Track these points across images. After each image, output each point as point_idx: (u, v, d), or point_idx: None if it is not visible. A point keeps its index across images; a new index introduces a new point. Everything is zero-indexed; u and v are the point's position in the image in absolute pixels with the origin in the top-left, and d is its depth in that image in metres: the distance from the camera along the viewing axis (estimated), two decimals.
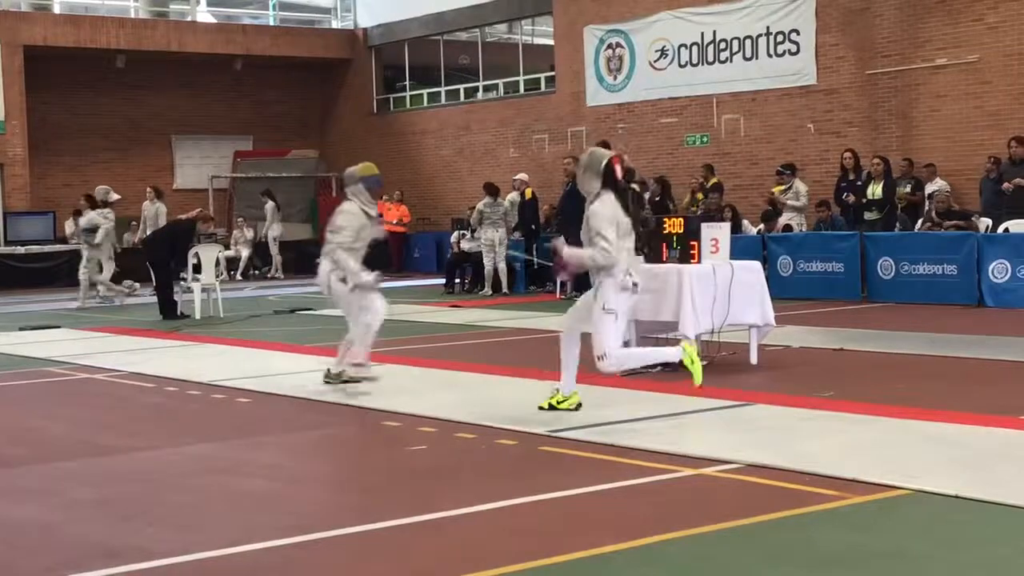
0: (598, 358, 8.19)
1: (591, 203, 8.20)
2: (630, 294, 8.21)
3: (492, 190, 20.47)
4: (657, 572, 4.94)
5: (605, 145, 22.20)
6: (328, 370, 10.10)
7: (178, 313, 17.01)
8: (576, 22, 25.24)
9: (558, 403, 8.42)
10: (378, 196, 10.09)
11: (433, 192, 28.49)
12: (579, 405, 8.45)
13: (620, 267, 8.09)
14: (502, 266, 20.17)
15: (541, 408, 8.41)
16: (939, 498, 5.83)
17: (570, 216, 19.77)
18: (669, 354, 8.38)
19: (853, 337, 12.41)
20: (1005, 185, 16.74)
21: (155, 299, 17.41)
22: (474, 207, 21.25)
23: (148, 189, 23.13)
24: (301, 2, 33.30)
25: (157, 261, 17.43)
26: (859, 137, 20.11)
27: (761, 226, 19.26)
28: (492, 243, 20.08)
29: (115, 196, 20.36)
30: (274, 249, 27.60)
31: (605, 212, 8.08)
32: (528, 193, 21.04)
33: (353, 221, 9.71)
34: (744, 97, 22.19)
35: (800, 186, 19.27)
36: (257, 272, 27.62)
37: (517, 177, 21.33)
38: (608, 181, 8.17)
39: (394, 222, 26.15)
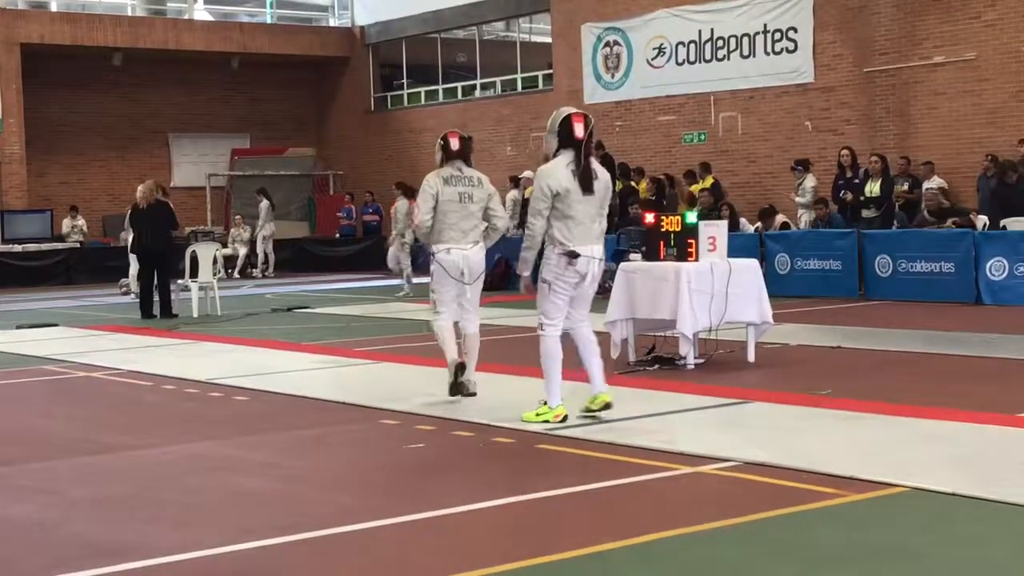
0: (538, 326, 7.98)
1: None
2: (565, 264, 7.75)
3: (407, 191, 20.63)
4: (655, 570, 4.94)
5: (600, 146, 22.46)
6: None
7: (153, 313, 16.95)
8: (574, 20, 25.23)
9: (537, 414, 8.02)
10: None
11: None
12: (608, 404, 8.01)
13: (561, 239, 7.70)
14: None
15: (583, 416, 8.00)
16: (937, 496, 5.83)
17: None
18: (554, 388, 7.89)
19: (851, 335, 12.41)
20: None
21: (152, 299, 17.32)
22: None
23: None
24: (298, 0, 33.29)
25: (162, 257, 17.30)
26: (857, 135, 20.12)
27: (759, 224, 19.29)
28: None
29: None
30: (267, 247, 27.52)
31: (541, 180, 7.70)
32: (528, 191, 21.20)
33: None
34: (742, 95, 22.19)
35: (808, 182, 19.39)
36: (253, 270, 27.61)
37: (525, 175, 21.38)
38: (565, 140, 7.74)
39: None
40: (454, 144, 9.05)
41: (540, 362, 8.03)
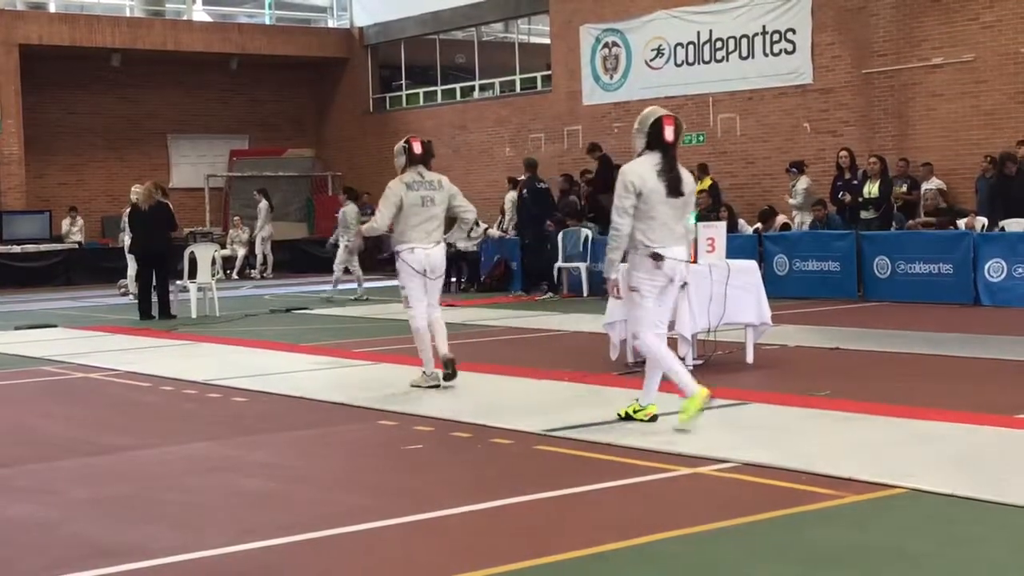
0: (632, 336, 7.85)
1: None
2: (652, 267, 7.63)
3: (353, 194, 20.65)
4: (653, 571, 4.94)
5: (595, 147, 22.45)
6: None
7: (151, 314, 16.97)
8: (572, 21, 25.23)
9: (634, 412, 7.90)
10: None
11: None
12: (655, 417, 7.84)
13: (646, 241, 7.57)
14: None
15: (619, 416, 7.94)
16: (935, 497, 5.83)
17: (525, 219, 19.90)
18: (684, 379, 7.67)
19: (849, 336, 12.42)
20: None
21: (150, 300, 17.33)
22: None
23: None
24: (297, 1, 33.29)
25: (162, 258, 17.29)
26: (855, 136, 20.13)
27: (758, 225, 19.29)
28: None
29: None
30: (265, 248, 27.48)
31: (625, 176, 7.58)
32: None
33: None
34: (740, 96, 22.20)
35: (800, 184, 19.43)
36: (252, 271, 27.59)
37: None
38: (653, 141, 7.65)
39: None
40: (416, 148, 9.79)
41: (646, 365, 8.00)
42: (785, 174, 20.12)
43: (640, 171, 7.61)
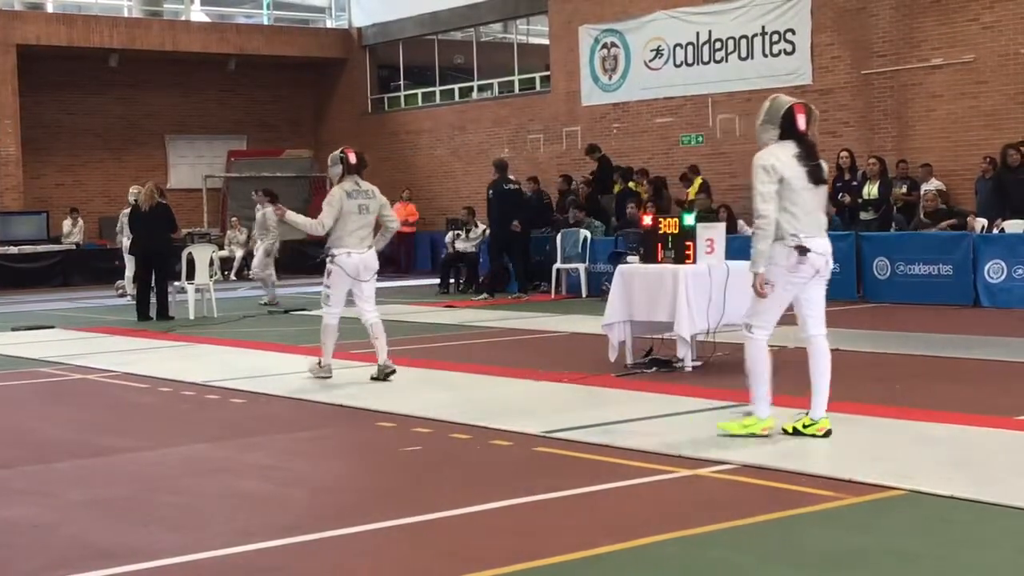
0: (744, 327, 7.45)
1: None
2: (796, 260, 7.18)
3: (273, 196, 20.57)
4: (652, 573, 4.93)
5: (594, 148, 22.43)
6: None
7: (149, 315, 16.95)
8: (571, 21, 25.22)
9: (804, 427, 7.36)
10: None
11: (428, 192, 28.44)
12: (828, 432, 7.31)
13: (790, 230, 7.13)
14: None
15: (784, 431, 7.39)
16: (934, 499, 5.82)
17: (496, 218, 19.90)
18: (762, 396, 7.37)
19: (849, 337, 12.39)
20: None
21: (149, 301, 17.30)
22: (469, 207, 21.77)
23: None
24: (295, 1, 33.26)
25: (161, 259, 17.25)
26: (855, 137, 20.11)
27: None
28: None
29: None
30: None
31: (763, 160, 7.12)
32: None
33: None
34: (739, 97, 22.17)
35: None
36: (248, 271, 27.54)
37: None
38: (787, 131, 7.22)
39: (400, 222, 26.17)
40: (352, 159, 10.50)
41: (746, 369, 7.48)
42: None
43: (779, 155, 7.16)
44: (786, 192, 7.12)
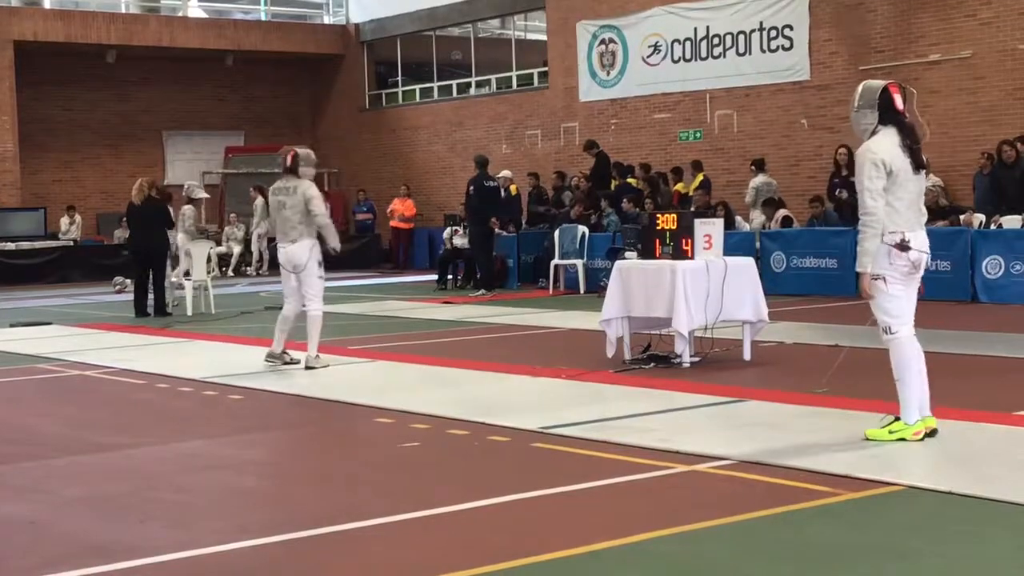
0: (883, 330, 7.04)
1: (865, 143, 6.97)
2: (897, 256, 6.86)
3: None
4: (649, 569, 4.92)
5: (593, 144, 22.42)
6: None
7: (147, 311, 16.92)
8: (569, 17, 25.21)
9: (890, 432, 7.02)
10: None
11: (425, 188, 28.44)
12: (930, 433, 7.00)
13: (891, 226, 6.83)
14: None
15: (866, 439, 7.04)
16: (932, 494, 5.82)
17: (475, 211, 19.90)
18: (913, 400, 7.00)
19: (847, 333, 12.38)
20: None
21: (147, 297, 17.26)
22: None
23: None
24: None
25: (155, 256, 17.21)
26: (853, 132, 20.07)
27: (762, 218, 19.24)
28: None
29: (201, 193, 19.08)
30: (261, 245, 27.38)
31: (874, 154, 6.83)
32: (513, 189, 22.03)
33: None
34: (737, 92, 22.18)
35: (752, 182, 19.86)
36: (248, 268, 27.54)
37: (502, 175, 21.36)
38: (886, 113, 6.94)
39: (397, 218, 26.20)
40: (288, 162, 11.49)
41: (895, 374, 7.08)
42: (785, 170, 20.19)
43: (887, 146, 6.87)
44: (892, 186, 6.87)
